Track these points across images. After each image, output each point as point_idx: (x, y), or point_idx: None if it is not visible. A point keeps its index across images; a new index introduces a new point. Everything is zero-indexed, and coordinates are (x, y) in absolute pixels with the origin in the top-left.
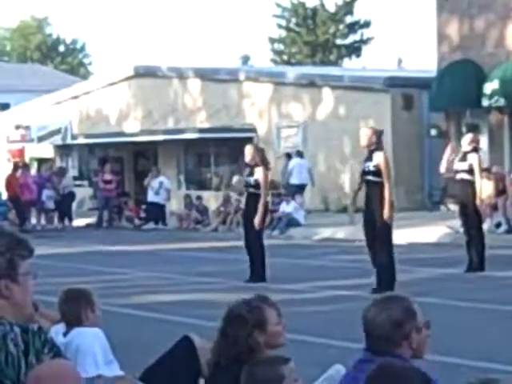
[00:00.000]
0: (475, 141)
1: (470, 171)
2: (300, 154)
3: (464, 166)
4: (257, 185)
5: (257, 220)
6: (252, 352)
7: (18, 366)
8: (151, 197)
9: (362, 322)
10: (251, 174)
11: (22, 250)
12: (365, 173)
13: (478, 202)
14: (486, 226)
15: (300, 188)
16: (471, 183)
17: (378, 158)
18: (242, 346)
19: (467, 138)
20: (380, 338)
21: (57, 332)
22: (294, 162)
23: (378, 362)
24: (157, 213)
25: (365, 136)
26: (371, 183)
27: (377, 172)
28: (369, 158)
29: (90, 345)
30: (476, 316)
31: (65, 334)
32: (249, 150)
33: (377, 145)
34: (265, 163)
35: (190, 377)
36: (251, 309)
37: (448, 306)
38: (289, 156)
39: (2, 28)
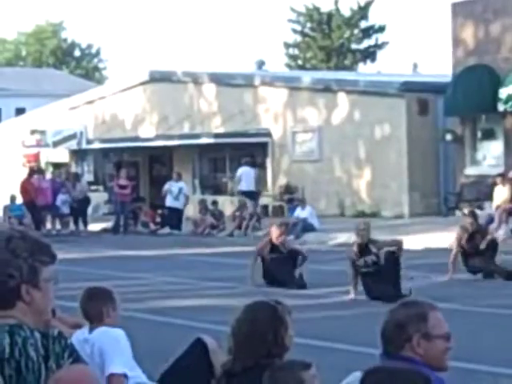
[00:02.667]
0: None
1: None
2: (250, 163)
3: None
4: None
5: None
6: (284, 353)
7: (39, 371)
8: (170, 202)
9: None
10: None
11: (44, 256)
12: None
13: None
14: (502, 232)
15: (248, 194)
16: None
17: None
18: (279, 346)
19: None
20: (385, 339)
21: (82, 331)
22: (242, 169)
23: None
24: (174, 218)
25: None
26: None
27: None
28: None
29: (116, 344)
30: (492, 322)
31: (89, 332)
32: (279, 233)
33: None
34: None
35: (203, 379)
36: (284, 310)
37: (464, 312)
38: (249, 164)
39: (17, 33)
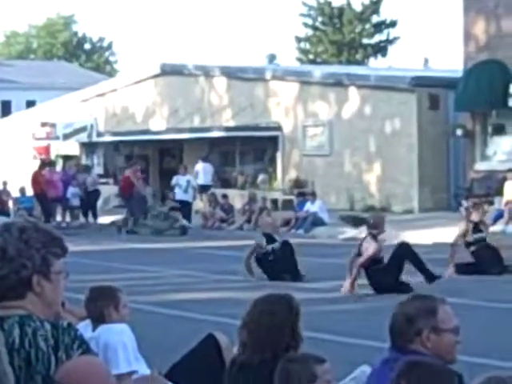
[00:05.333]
0: None
1: None
2: (206, 159)
3: None
4: None
5: None
6: (299, 345)
7: (48, 362)
8: (180, 195)
9: None
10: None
11: (56, 248)
12: None
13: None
14: (511, 227)
15: (204, 188)
16: None
17: None
18: (296, 338)
19: None
20: (395, 332)
21: (85, 328)
22: (200, 165)
23: (402, 359)
24: (184, 211)
25: None
26: None
27: None
28: None
29: (119, 340)
30: (502, 316)
31: (92, 330)
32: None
33: None
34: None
35: (214, 374)
36: (297, 302)
37: (474, 307)
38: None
39: (28, 25)
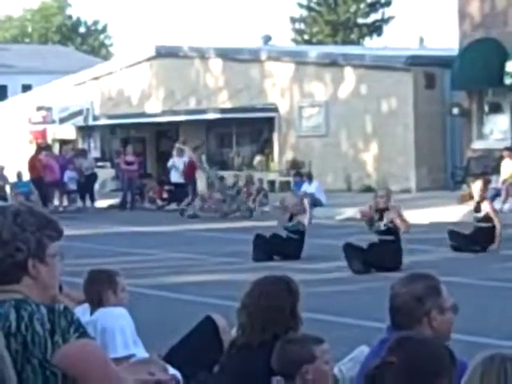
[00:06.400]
0: None
1: None
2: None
3: None
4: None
5: None
6: (299, 326)
7: (45, 345)
8: (177, 177)
9: (389, 297)
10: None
11: (51, 231)
12: None
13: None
14: (508, 205)
15: None
16: None
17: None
18: (297, 318)
19: None
20: (401, 312)
21: (84, 312)
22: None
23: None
24: (182, 193)
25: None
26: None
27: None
28: None
29: (117, 324)
30: (500, 295)
31: (90, 314)
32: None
33: None
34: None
35: (212, 356)
36: (296, 283)
37: (472, 285)
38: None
39: (23, 9)
